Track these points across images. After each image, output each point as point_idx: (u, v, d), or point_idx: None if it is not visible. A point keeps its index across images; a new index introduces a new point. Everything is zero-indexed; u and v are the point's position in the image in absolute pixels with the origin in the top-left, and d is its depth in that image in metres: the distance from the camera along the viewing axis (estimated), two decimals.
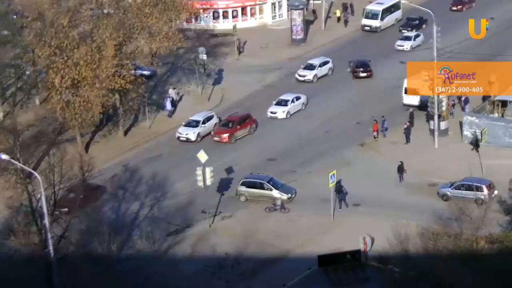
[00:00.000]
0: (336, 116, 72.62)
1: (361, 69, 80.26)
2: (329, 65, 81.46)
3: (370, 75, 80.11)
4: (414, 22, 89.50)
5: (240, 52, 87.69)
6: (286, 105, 73.86)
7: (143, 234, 55.58)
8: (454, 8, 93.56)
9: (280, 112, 73.38)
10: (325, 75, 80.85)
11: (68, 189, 53.55)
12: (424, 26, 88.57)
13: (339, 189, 58.67)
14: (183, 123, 70.99)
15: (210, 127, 70.97)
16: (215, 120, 71.68)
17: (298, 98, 74.75)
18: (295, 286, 51.23)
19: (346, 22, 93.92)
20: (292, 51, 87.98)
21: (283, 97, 74.81)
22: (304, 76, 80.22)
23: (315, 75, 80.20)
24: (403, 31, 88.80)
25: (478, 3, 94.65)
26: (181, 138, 70.01)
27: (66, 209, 51.67)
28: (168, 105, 75.44)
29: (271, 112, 73.59)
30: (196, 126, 70.38)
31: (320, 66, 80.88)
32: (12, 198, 52.58)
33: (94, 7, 70.35)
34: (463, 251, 46.55)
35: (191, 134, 69.81)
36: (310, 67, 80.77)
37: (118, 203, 61.15)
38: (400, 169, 61.73)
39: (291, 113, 73.57)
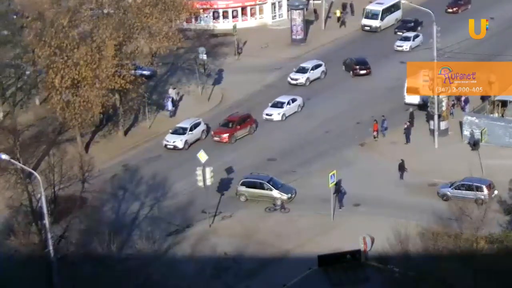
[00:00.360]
0: (336, 116, 72.61)
1: (360, 66, 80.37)
2: (322, 68, 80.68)
3: (369, 72, 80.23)
4: (409, 25, 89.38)
5: (238, 53, 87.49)
6: (281, 107, 73.50)
7: (143, 234, 55.49)
8: (450, 10, 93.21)
9: (276, 114, 72.95)
10: (318, 78, 80.00)
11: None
12: (419, 28, 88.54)
13: (337, 189, 58.62)
14: (170, 131, 69.99)
15: (198, 134, 69.86)
16: (202, 126, 70.46)
17: (294, 100, 74.32)
18: (295, 286, 51.25)
19: (343, 22, 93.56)
20: (292, 51, 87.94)
21: (279, 99, 74.46)
22: (296, 79, 79.43)
23: (308, 78, 79.39)
24: (398, 33, 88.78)
25: (478, 3, 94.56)
26: (168, 146, 69.00)
27: None
28: (170, 105, 75.35)
29: (267, 114, 73.20)
30: (184, 133, 69.11)
31: (312, 69, 80.00)
32: (12, 198, 52.49)
33: (94, 7, 70.34)
34: (463, 251, 46.50)
35: (178, 141, 68.63)
36: (303, 71, 79.87)
37: (118, 203, 61.16)
38: (401, 167, 61.83)
39: (286, 115, 73.15)
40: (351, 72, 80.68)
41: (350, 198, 59.11)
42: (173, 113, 74.96)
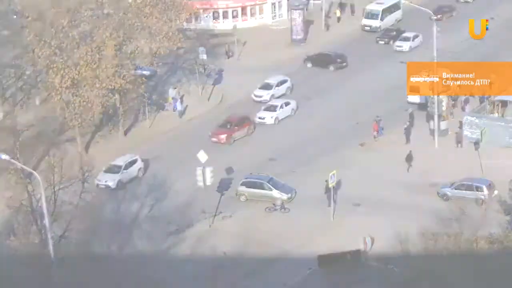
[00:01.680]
0: (336, 116, 72.61)
1: (341, 59, 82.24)
2: (287, 84, 78.15)
3: (346, 65, 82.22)
4: (392, 33, 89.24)
5: (229, 57, 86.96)
6: (274, 110, 73.12)
7: (143, 234, 55.54)
8: (434, 17, 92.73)
9: (269, 118, 72.50)
10: (283, 94, 77.43)
11: None
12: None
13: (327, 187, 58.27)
14: (103, 169, 63.92)
15: (133, 172, 64.50)
16: (139, 164, 65.02)
17: (287, 104, 73.83)
18: (295, 286, 51.22)
19: (327, 26, 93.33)
20: (292, 51, 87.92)
21: (272, 102, 74.20)
22: (260, 96, 76.77)
23: (272, 95, 76.76)
24: (380, 42, 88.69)
25: (478, 3, 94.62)
26: (100, 186, 62.90)
27: None
28: (179, 106, 75.18)
29: (259, 118, 72.69)
30: (117, 172, 63.58)
31: (277, 85, 77.44)
32: (12, 198, 52.52)
33: (94, 7, 70.34)
34: (463, 251, 46.52)
35: (111, 181, 63.17)
36: (267, 87, 77.31)
37: (118, 203, 61.16)
38: (409, 158, 62.08)
39: (279, 118, 72.77)
40: (331, 66, 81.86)
41: (350, 198, 59.10)
42: (181, 113, 74.74)
